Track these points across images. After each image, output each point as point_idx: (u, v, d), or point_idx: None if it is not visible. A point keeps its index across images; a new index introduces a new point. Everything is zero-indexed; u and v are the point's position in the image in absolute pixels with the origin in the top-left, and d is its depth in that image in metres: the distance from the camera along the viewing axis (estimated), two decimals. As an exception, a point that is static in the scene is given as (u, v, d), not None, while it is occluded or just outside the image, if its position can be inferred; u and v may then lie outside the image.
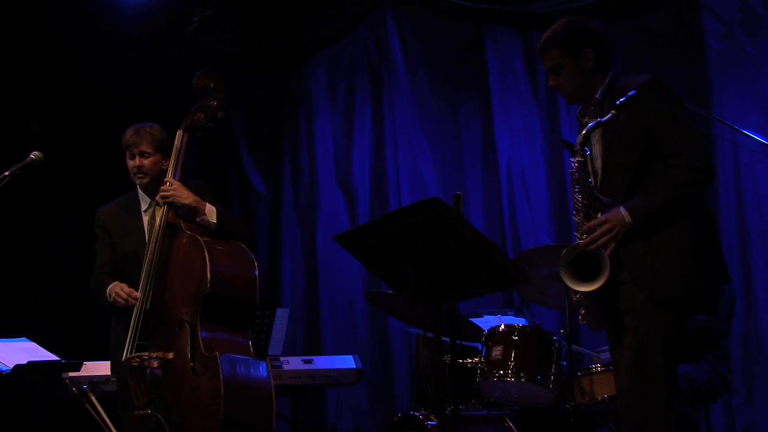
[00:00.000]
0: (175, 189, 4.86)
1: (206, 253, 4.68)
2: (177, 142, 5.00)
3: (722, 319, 5.40)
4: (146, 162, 4.98)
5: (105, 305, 4.94)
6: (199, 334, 4.62)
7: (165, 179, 4.91)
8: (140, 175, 5.01)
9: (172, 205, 4.86)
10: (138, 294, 4.75)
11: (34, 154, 4.71)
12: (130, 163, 5.01)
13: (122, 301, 4.77)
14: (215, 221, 4.89)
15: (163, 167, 5.02)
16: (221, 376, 4.47)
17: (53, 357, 5.40)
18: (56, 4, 7.48)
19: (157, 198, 4.89)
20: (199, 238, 4.76)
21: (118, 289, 4.81)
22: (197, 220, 4.89)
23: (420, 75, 7.89)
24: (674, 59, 7.02)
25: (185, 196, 4.87)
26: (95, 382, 5.40)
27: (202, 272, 4.65)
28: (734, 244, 6.58)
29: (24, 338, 5.54)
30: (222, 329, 4.72)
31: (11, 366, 5.20)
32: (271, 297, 7.95)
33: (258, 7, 8.02)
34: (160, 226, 4.82)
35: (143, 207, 5.07)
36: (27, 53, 7.57)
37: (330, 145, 8.16)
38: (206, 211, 4.90)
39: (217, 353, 4.54)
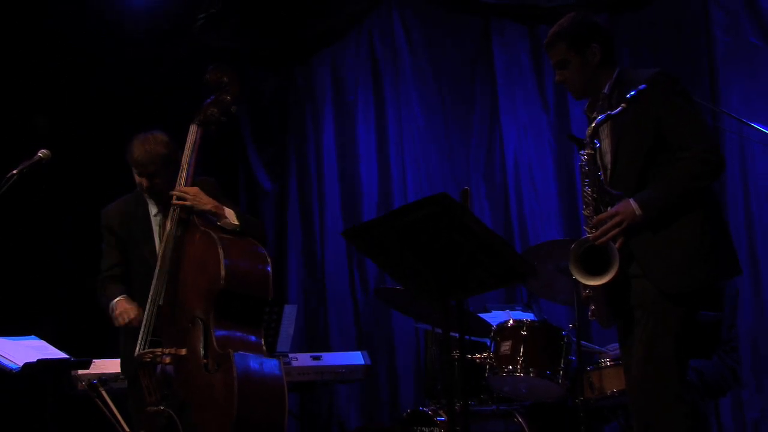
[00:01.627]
0: (194, 196, 4.80)
1: (220, 249, 4.63)
2: (190, 137, 4.94)
3: (729, 312, 5.41)
4: (156, 182, 4.90)
5: (106, 313, 4.91)
6: (212, 330, 4.59)
7: (178, 188, 4.84)
8: (149, 194, 4.95)
9: (191, 211, 4.82)
10: (139, 315, 4.74)
11: (42, 152, 4.70)
12: (138, 179, 4.93)
13: (124, 322, 4.76)
14: (237, 223, 4.84)
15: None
16: (235, 373, 4.45)
17: (62, 354, 5.40)
18: (59, 3, 7.47)
19: (172, 202, 4.81)
20: (212, 233, 4.71)
21: (125, 310, 4.79)
22: (218, 223, 4.84)
23: (426, 69, 7.88)
24: (680, 52, 7.01)
25: (205, 202, 4.81)
26: (104, 379, 5.41)
27: (216, 268, 4.61)
28: (742, 237, 6.57)
29: (33, 336, 5.54)
30: (235, 326, 4.69)
31: (20, 364, 5.20)
32: (277, 293, 7.95)
33: (263, 2, 8.01)
34: (172, 223, 4.78)
35: (153, 211, 5.01)
36: (21, 52, 7.55)
37: (336, 139, 8.15)
38: (226, 214, 4.85)
39: (230, 350, 4.51)
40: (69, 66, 7.68)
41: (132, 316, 4.78)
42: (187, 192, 4.81)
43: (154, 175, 4.88)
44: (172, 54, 7.75)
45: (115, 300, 4.85)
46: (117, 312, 4.80)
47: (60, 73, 7.68)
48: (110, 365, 5.62)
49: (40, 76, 7.65)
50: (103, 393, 5.18)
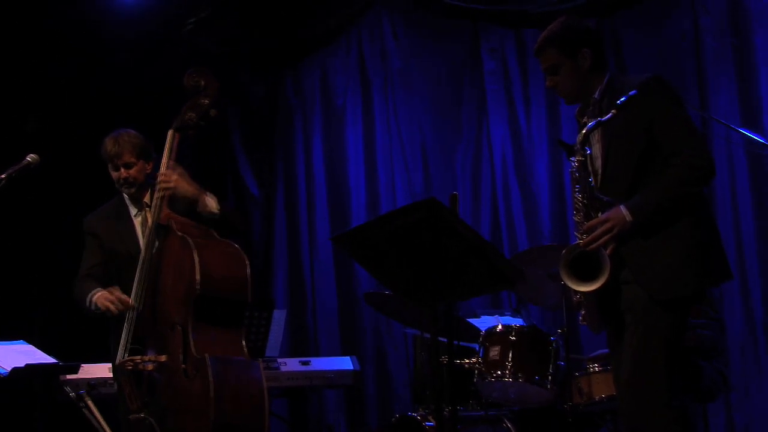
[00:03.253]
0: (176, 179, 4.80)
1: (195, 254, 4.62)
2: (168, 142, 4.93)
3: (716, 316, 5.43)
4: (132, 172, 4.95)
5: (84, 311, 4.89)
6: (191, 335, 4.57)
7: (161, 172, 4.82)
8: (127, 186, 4.98)
9: (174, 195, 4.80)
10: (130, 300, 4.71)
11: (30, 157, 4.71)
12: (115, 174, 4.98)
13: (113, 308, 4.71)
14: (217, 209, 4.84)
15: (147, 171, 5.00)
16: (211, 378, 4.43)
17: (51, 360, 5.39)
18: (53, 4, 7.46)
19: (158, 190, 4.80)
20: (188, 238, 4.69)
21: (105, 295, 4.76)
22: (198, 210, 4.84)
23: (414, 74, 7.89)
24: (668, 57, 7.02)
25: (187, 186, 4.82)
26: (93, 384, 5.39)
27: (192, 273, 4.60)
28: (730, 242, 6.57)
29: (21, 341, 5.53)
30: (214, 330, 4.67)
31: (9, 369, 5.19)
32: (266, 298, 7.94)
33: (253, 7, 8.01)
34: (151, 227, 4.79)
35: (133, 212, 5.04)
36: (21, 54, 7.55)
37: (324, 144, 8.15)
38: (207, 200, 4.85)
39: (206, 355, 4.49)
40: (69, 66, 7.68)
41: (114, 299, 4.73)
42: (171, 175, 4.82)
43: (129, 165, 4.94)
44: (173, 55, 7.74)
45: (103, 290, 4.81)
46: (99, 304, 4.77)
47: (60, 73, 7.68)
48: (100, 370, 5.60)
49: (40, 77, 7.65)
50: (90, 403, 5.15)
